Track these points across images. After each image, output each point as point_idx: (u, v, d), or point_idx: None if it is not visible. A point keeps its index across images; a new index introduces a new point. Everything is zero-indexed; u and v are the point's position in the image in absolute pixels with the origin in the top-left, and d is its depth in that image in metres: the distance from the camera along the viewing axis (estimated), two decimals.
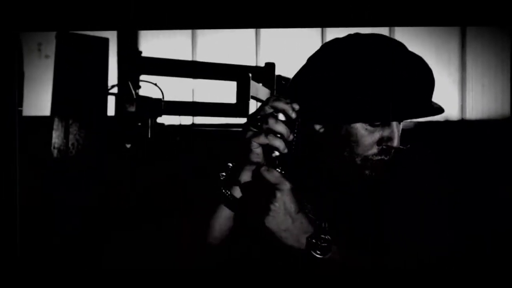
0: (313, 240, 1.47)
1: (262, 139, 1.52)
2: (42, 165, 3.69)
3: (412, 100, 1.62)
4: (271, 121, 1.52)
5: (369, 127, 1.61)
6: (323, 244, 1.47)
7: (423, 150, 1.80)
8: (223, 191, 1.61)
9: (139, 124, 4.49)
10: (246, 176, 1.59)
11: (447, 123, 11.48)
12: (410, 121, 11.13)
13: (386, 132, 1.63)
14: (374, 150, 1.62)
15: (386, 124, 1.63)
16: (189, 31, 11.35)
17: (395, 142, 1.62)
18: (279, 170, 1.50)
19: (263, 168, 1.48)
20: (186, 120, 8.83)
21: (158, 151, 4.55)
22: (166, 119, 4.92)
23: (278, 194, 1.46)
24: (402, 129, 1.69)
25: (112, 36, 4.19)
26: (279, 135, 1.52)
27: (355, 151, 1.62)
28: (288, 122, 1.54)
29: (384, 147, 1.63)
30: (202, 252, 1.67)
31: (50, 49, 9.79)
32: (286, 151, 1.52)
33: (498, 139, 10.19)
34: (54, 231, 3.64)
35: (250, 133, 1.55)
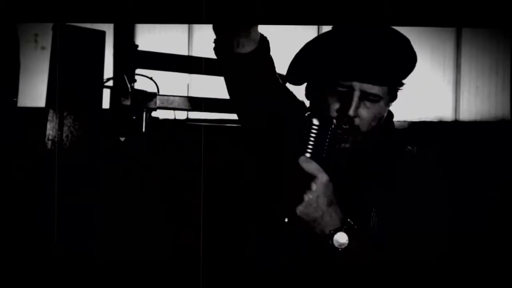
0: (334, 234, 1.53)
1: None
2: (36, 156, 3.68)
3: (367, 67, 1.72)
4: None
5: (332, 91, 1.73)
6: (343, 241, 1.53)
7: (423, 150, 1.85)
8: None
9: (134, 117, 4.48)
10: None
11: (441, 123, 11.49)
12: (404, 121, 11.18)
13: (344, 99, 1.71)
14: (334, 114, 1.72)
15: (347, 93, 1.72)
16: (185, 26, 11.34)
17: (350, 110, 1.70)
18: None
19: (302, 159, 1.53)
20: (181, 114, 8.83)
21: (152, 144, 4.55)
22: (160, 113, 4.92)
23: (314, 186, 1.51)
24: (396, 128, 1.76)
25: (108, 29, 4.18)
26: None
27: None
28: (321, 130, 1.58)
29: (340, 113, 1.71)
30: None
31: (47, 41, 9.79)
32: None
33: (492, 140, 10.22)
34: (43, 225, 3.63)
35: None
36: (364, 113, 1.74)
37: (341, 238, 1.52)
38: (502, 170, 8.60)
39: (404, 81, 1.90)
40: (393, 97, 1.90)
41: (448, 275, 1.66)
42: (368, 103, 1.75)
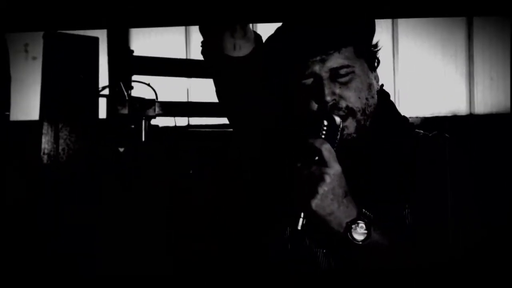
0: (353, 225, 1.53)
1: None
2: (31, 172, 3.69)
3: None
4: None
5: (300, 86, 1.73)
6: (362, 231, 1.53)
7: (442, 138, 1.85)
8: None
9: (132, 126, 4.49)
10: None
11: (455, 118, 11.47)
12: (417, 117, 11.16)
13: (315, 89, 1.71)
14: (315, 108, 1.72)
15: (315, 81, 1.71)
16: (182, 28, 11.35)
17: (325, 96, 1.68)
18: None
19: (326, 146, 1.54)
20: (182, 121, 8.83)
21: (153, 154, 4.55)
22: (160, 121, 4.92)
23: (328, 178, 1.51)
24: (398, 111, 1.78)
25: (102, 35, 4.18)
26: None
27: None
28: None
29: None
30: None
31: (38, 50, 9.79)
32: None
33: (508, 133, 10.18)
34: (41, 238, 3.64)
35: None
36: (345, 92, 1.70)
37: (360, 228, 1.52)
38: None
39: (374, 42, 1.87)
40: (370, 61, 1.86)
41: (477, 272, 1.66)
42: (343, 79, 1.71)
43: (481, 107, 11.66)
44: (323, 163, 1.52)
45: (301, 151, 1.57)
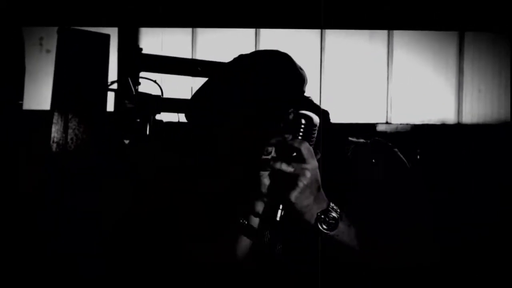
0: (322, 216, 1.55)
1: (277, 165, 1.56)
2: (41, 159, 3.69)
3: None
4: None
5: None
6: (330, 221, 1.55)
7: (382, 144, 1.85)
8: (242, 221, 1.66)
9: (138, 120, 4.49)
10: (260, 207, 1.63)
11: (444, 126, 11.49)
12: (407, 124, 11.18)
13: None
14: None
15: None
16: (189, 29, 11.35)
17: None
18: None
19: (306, 144, 1.54)
20: (184, 117, 8.82)
21: (156, 147, 4.55)
22: (164, 116, 4.92)
23: (308, 174, 1.52)
24: (398, 132, 1.77)
25: (113, 33, 4.19)
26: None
27: None
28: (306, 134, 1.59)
29: None
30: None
31: (52, 44, 9.79)
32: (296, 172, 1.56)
33: (494, 143, 10.21)
34: (51, 228, 3.64)
35: (259, 168, 1.60)
36: None
37: (328, 219, 1.54)
38: (505, 172, 8.61)
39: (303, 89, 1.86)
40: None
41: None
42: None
43: (468, 117, 11.69)
44: (302, 160, 1.53)
45: (281, 149, 1.57)
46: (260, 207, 1.63)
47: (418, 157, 9.59)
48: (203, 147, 1.89)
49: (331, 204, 1.57)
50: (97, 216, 3.71)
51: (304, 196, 1.52)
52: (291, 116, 1.65)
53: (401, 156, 1.81)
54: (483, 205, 6.89)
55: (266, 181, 1.59)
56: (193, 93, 1.89)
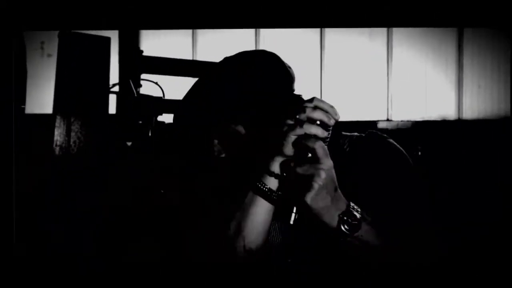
0: (344, 217, 1.50)
1: (299, 130, 1.52)
2: (44, 163, 3.69)
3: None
4: (309, 110, 1.53)
5: None
6: (353, 222, 1.50)
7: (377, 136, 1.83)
8: (259, 185, 1.61)
9: (140, 122, 4.49)
10: (277, 168, 1.59)
11: (444, 122, 11.49)
12: (408, 120, 11.18)
13: None
14: None
15: None
16: (189, 31, 11.35)
17: None
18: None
19: (320, 143, 1.49)
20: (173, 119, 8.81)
21: (159, 149, 4.55)
22: (166, 118, 4.92)
23: (323, 174, 1.47)
24: (399, 128, 1.75)
25: (113, 35, 4.19)
26: (318, 122, 1.53)
27: None
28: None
29: None
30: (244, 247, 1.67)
31: (53, 48, 9.79)
32: (325, 134, 1.53)
33: (494, 138, 10.21)
34: (53, 230, 3.64)
35: (286, 127, 1.55)
36: None
37: (350, 220, 1.49)
38: (506, 168, 8.60)
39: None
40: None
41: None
42: None
43: (468, 113, 11.68)
44: (317, 160, 1.48)
45: (295, 149, 1.55)
46: (276, 167, 1.58)
47: (419, 153, 9.58)
48: (199, 147, 1.88)
49: (351, 204, 1.52)
50: (98, 217, 3.71)
51: (320, 197, 1.48)
52: (302, 115, 1.55)
53: (398, 145, 1.79)
54: (485, 202, 6.88)
55: (288, 143, 1.54)
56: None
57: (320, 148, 1.49)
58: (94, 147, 3.72)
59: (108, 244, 3.76)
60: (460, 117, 11.67)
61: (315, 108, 1.53)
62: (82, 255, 3.61)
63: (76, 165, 3.64)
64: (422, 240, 1.63)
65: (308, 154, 1.51)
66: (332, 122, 1.54)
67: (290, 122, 1.55)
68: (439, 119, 11.56)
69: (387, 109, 11.48)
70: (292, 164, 1.52)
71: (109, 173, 3.84)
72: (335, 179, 1.51)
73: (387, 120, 11.37)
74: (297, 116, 1.54)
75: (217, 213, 1.75)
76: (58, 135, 3.61)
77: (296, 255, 1.73)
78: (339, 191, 1.52)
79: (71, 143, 3.64)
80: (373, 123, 11.21)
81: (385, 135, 1.81)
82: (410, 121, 11.34)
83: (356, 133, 1.83)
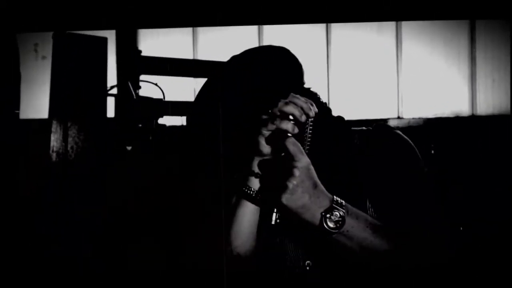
0: (327, 215, 1.50)
1: (270, 126, 1.54)
2: (40, 169, 3.70)
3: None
4: (281, 104, 1.55)
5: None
6: (337, 219, 1.50)
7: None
8: (243, 188, 1.63)
9: (140, 125, 4.49)
10: (256, 167, 1.61)
11: (458, 119, 11.47)
12: (419, 118, 11.16)
13: None
14: None
15: None
16: (189, 29, 11.35)
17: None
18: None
19: (290, 140, 1.51)
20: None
21: (161, 152, 4.55)
22: (167, 120, 4.92)
23: (296, 172, 1.48)
24: (410, 126, 1.76)
25: (110, 36, 4.19)
26: (291, 117, 1.54)
27: None
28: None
29: None
30: (233, 250, 1.67)
31: (47, 50, 9.81)
32: (296, 131, 1.53)
33: (510, 134, 10.18)
34: (50, 236, 3.65)
35: (259, 123, 1.57)
36: None
37: (334, 216, 1.50)
38: None
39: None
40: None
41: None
42: None
43: (483, 108, 11.66)
44: (290, 157, 1.50)
45: (271, 147, 1.56)
46: (256, 167, 1.60)
47: (433, 152, 9.56)
48: (208, 149, 1.88)
49: (335, 199, 1.53)
50: (96, 222, 3.71)
51: (296, 196, 1.48)
52: (274, 109, 1.57)
53: (405, 137, 1.79)
54: (500, 201, 6.87)
55: (262, 139, 1.56)
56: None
57: (291, 144, 1.50)
58: (93, 153, 3.72)
59: (107, 247, 3.77)
60: (474, 113, 11.65)
61: (288, 103, 1.54)
62: (81, 259, 3.62)
63: (74, 171, 3.64)
64: (425, 238, 1.63)
65: (281, 152, 1.53)
66: (303, 118, 1.55)
67: (264, 117, 1.57)
68: (452, 116, 11.54)
69: (398, 106, 11.47)
70: (265, 164, 1.54)
71: (109, 176, 3.85)
72: (314, 176, 1.52)
73: (398, 117, 11.36)
74: (270, 111, 1.56)
75: (215, 217, 1.76)
76: (55, 140, 3.61)
77: (314, 258, 1.74)
78: (320, 187, 1.53)
79: (69, 148, 3.64)
80: (384, 121, 11.19)
81: (392, 127, 1.82)
82: (422, 118, 11.33)
83: (364, 127, 1.84)
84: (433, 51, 11.56)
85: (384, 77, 11.51)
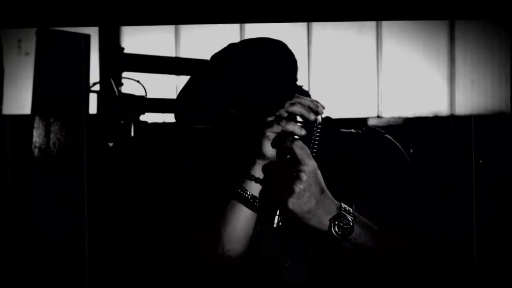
0: (336, 221, 1.48)
1: (276, 127, 1.50)
2: (22, 165, 3.68)
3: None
4: (287, 104, 1.51)
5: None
6: (345, 226, 1.48)
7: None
8: (240, 191, 1.58)
9: (122, 122, 4.48)
10: (258, 171, 1.57)
11: (437, 118, 11.51)
12: (399, 117, 11.21)
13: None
14: None
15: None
16: (172, 27, 11.32)
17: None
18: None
19: (298, 144, 1.47)
20: (170, 117, 8.81)
21: (142, 149, 4.54)
22: (149, 117, 4.91)
23: (304, 176, 1.45)
24: (390, 125, 1.76)
25: (93, 32, 4.17)
26: (299, 119, 1.51)
27: None
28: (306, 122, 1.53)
29: None
30: (226, 255, 1.64)
31: (30, 46, 9.75)
32: (304, 133, 1.50)
33: (488, 134, 10.23)
34: (34, 232, 3.63)
35: (264, 124, 1.53)
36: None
37: (342, 223, 1.48)
38: (499, 163, 8.63)
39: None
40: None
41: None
42: None
43: (462, 108, 11.71)
44: (297, 161, 1.46)
45: (276, 150, 1.53)
46: (257, 170, 1.56)
47: (411, 151, 9.60)
48: (201, 145, 1.86)
49: (343, 206, 1.51)
50: (80, 218, 3.70)
51: (302, 201, 1.45)
52: (281, 110, 1.53)
53: (394, 141, 1.78)
54: (480, 199, 6.90)
55: (266, 142, 1.52)
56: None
57: (298, 148, 1.47)
58: (74, 149, 3.71)
59: (94, 244, 3.76)
60: (453, 113, 11.70)
61: (294, 103, 1.52)
62: (65, 256, 3.61)
63: (56, 167, 3.63)
64: (418, 238, 1.63)
65: (287, 155, 1.50)
66: (312, 117, 1.52)
67: (270, 119, 1.53)
68: (431, 115, 11.58)
69: (378, 105, 11.49)
70: (271, 167, 1.52)
71: (91, 174, 3.83)
72: (321, 181, 1.49)
73: (378, 117, 11.38)
74: (276, 113, 1.52)
75: (202, 216, 1.73)
76: (37, 136, 3.60)
77: (294, 257, 1.72)
78: (327, 192, 1.50)
79: (51, 144, 3.62)
80: (363, 120, 11.21)
81: (382, 131, 1.81)
82: (401, 117, 11.36)
83: (353, 130, 1.82)
84: (413, 51, 11.60)
85: (364, 76, 11.53)
